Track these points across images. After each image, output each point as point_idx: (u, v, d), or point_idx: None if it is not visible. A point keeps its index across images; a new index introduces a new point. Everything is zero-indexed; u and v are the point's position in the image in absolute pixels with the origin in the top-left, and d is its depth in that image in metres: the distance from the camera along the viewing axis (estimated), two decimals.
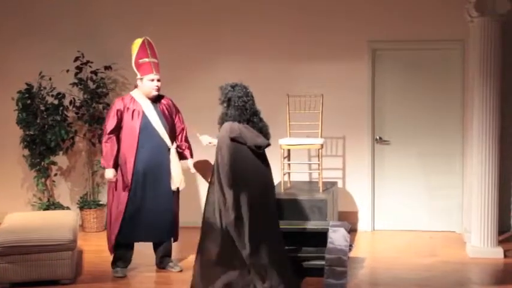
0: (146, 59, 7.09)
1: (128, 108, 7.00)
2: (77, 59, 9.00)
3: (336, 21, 8.83)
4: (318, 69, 8.88)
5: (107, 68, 9.11)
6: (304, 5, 8.89)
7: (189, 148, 7.30)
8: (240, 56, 9.04)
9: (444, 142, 8.77)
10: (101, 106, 9.09)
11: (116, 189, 7.00)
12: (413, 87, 8.75)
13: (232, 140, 6.24)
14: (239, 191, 6.18)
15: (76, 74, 9.01)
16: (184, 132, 7.30)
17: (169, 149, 7.08)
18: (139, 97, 7.09)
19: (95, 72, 9.06)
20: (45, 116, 8.95)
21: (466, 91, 8.48)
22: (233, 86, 6.50)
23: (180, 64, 9.07)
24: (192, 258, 7.55)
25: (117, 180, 6.98)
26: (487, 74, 7.47)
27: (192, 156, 7.28)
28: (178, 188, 7.15)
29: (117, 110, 7.00)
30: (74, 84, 9.04)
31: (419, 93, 8.74)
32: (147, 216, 6.98)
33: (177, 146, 7.19)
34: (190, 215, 8.64)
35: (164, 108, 7.16)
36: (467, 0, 7.70)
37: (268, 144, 6.41)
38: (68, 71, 8.97)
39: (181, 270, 7.20)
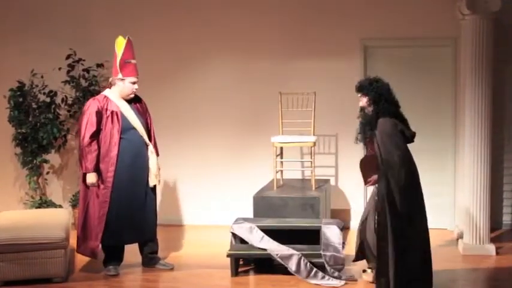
0: (132, 60, 7.00)
1: (106, 110, 6.87)
2: (69, 56, 8.98)
3: (328, 19, 8.84)
4: (310, 67, 8.89)
5: (99, 65, 9.09)
6: (296, 3, 8.89)
7: (156, 147, 7.21)
8: (232, 54, 9.04)
9: (436, 139, 8.79)
10: None
11: (96, 193, 6.88)
12: (406, 85, 8.74)
13: (400, 132, 6.04)
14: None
15: (68, 71, 8.99)
16: (153, 131, 7.22)
17: (147, 146, 7.05)
18: (114, 97, 6.96)
19: (87, 70, 9.04)
20: (37, 114, 8.93)
21: (457, 88, 8.51)
22: (377, 81, 6.25)
23: (173, 62, 9.06)
24: (173, 255, 7.60)
25: (98, 183, 6.88)
26: (478, 71, 7.48)
27: (158, 154, 7.20)
28: (155, 186, 7.09)
29: (96, 112, 6.83)
30: (66, 82, 9.02)
31: (411, 90, 8.74)
32: (134, 216, 6.94)
33: None
34: (184, 213, 8.68)
35: (138, 106, 7.11)
36: None
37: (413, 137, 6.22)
38: (60, 68, 8.95)
39: (172, 268, 7.22)
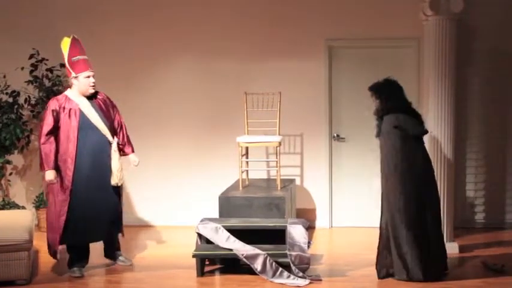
0: (80, 57, 6.98)
1: (64, 108, 6.86)
2: (32, 56, 8.89)
3: (293, 19, 8.87)
4: (275, 67, 8.91)
5: (63, 65, 8.96)
6: (261, 3, 8.91)
7: (130, 143, 7.25)
8: (196, 54, 9.04)
9: None
10: None
11: (56, 191, 6.86)
12: (369, 85, 8.81)
13: (395, 128, 6.59)
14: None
15: (31, 71, 8.90)
16: (124, 127, 7.23)
17: (110, 144, 7.02)
18: (74, 96, 6.96)
19: (50, 70, 8.96)
20: (0, 115, 8.81)
21: (421, 88, 8.58)
22: (388, 80, 6.81)
23: (136, 63, 9.03)
24: (138, 257, 7.57)
25: (57, 181, 6.85)
26: (442, 72, 7.56)
27: (133, 151, 7.26)
28: (117, 184, 7.06)
29: (53, 111, 6.84)
30: (29, 82, 8.92)
31: None
32: (94, 215, 6.89)
33: (118, 142, 7.12)
34: (149, 214, 8.64)
35: (101, 103, 7.07)
36: None
37: (426, 132, 6.82)
38: (22, 68, 8.85)
39: (131, 264, 7.26)
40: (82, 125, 6.86)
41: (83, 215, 6.84)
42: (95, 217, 6.90)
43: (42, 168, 6.88)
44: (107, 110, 7.08)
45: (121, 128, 7.22)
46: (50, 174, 6.81)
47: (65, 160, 6.83)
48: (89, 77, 6.96)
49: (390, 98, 6.70)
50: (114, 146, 7.02)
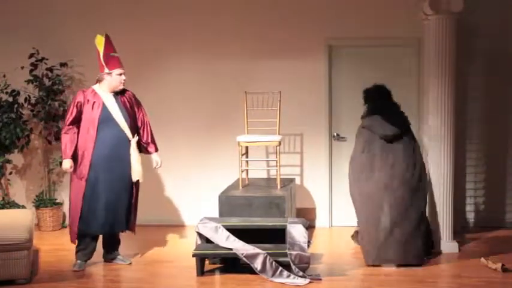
0: (114, 54, 7.16)
1: (88, 100, 7.04)
2: (31, 55, 8.88)
3: (294, 18, 8.87)
4: (276, 67, 8.91)
5: (63, 64, 9.01)
6: (261, 2, 8.90)
7: (154, 142, 7.35)
8: (197, 54, 9.03)
9: None
10: (56, 103, 9.00)
11: (74, 180, 7.03)
12: (369, 84, 8.80)
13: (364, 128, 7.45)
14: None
15: (31, 71, 8.90)
16: (149, 126, 7.33)
17: (129, 141, 7.07)
18: (101, 91, 7.11)
19: (50, 69, 8.96)
20: (0, 114, 8.81)
21: (421, 88, 8.59)
22: (372, 87, 7.67)
23: (137, 63, 9.01)
24: (138, 256, 7.55)
25: (75, 170, 6.98)
26: (442, 71, 7.55)
27: (157, 150, 7.35)
28: (138, 181, 7.17)
29: (78, 102, 7.04)
30: (29, 81, 8.92)
31: None
32: (104, 208, 7.00)
33: (142, 141, 7.24)
34: (149, 213, 8.63)
35: (126, 100, 7.19)
36: None
37: (390, 135, 7.29)
38: (22, 67, 8.85)
39: (130, 263, 7.28)
40: (103, 118, 7.01)
41: (93, 207, 6.98)
42: (104, 210, 7.00)
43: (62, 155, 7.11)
44: (131, 108, 7.21)
45: (145, 126, 7.32)
46: (66, 163, 7.00)
47: (83, 150, 6.98)
48: (121, 74, 7.13)
49: (366, 102, 7.66)
50: (133, 144, 7.12)
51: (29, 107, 9.03)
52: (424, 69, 8.38)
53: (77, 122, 7.03)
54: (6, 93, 8.91)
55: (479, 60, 8.71)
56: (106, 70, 7.09)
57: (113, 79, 7.11)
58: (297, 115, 8.88)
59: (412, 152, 7.28)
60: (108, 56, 7.10)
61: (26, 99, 8.99)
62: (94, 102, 7.03)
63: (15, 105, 8.93)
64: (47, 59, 8.93)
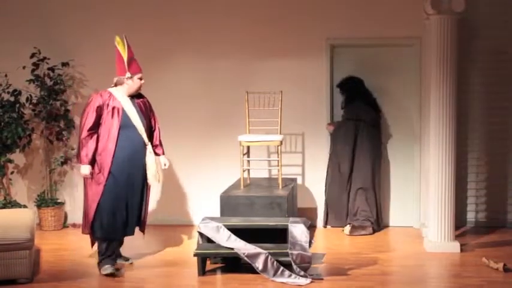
0: (134, 58, 7.12)
1: (107, 105, 6.95)
2: (33, 55, 8.89)
3: (295, 18, 8.86)
4: (277, 66, 8.91)
5: (64, 64, 9.01)
6: (262, 2, 8.90)
7: (161, 145, 7.37)
8: (197, 53, 9.02)
9: (401, 137, 8.87)
10: (58, 103, 9.00)
11: (90, 184, 6.97)
12: (371, 84, 8.80)
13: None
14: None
15: (33, 70, 8.90)
16: (158, 130, 7.36)
17: (146, 145, 7.10)
18: (118, 94, 7.04)
19: (52, 69, 8.96)
20: (1, 113, 8.82)
21: (422, 87, 8.59)
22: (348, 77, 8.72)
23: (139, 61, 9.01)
24: (140, 255, 7.55)
25: (93, 175, 6.94)
26: (443, 70, 7.55)
27: (164, 153, 7.37)
28: (159, 182, 7.26)
29: (97, 107, 6.93)
30: (30, 81, 8.92)
31: (376, 89, 8.80)
32: (124, 213, 6.99)
33: (151, 143, 7.24)
34: (150, 213, 8.62)
35: (141, 104, 7.18)
36: None
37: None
38: (24, 67, 8.85)
39: (132, 263, 7.30)
40: (123, 124, 6.96)
41: (114, 211, 6.94)
42: (124, 216, 6.99)
43: (78, 160, 7.00)
44: (146, 112, 7.19)
45: (156, 131, 7.34)
46: (85, 169, 6.91)
47: (103, 156, 6.91)
48: (141, 78, 7.10)
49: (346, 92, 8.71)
50: (150, 148, 7.14)
51: (31, 106, 9.03)
52: (425, 68, 8.37)
53: (96, 127, 6.93)
54: (8, 92, 8.92)
55: (480, 60, 8.69)
56: (128, 74, 7.03)
57: (134, 83, 7.07)
58: (298, 114, 8.88)
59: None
60: (131, 60, 7.06)
61: (27, 98, 8.99)
62: (113, 108, 6.95)
63: (17, 105, 8.93)
64: (48, 59, 8.94)
